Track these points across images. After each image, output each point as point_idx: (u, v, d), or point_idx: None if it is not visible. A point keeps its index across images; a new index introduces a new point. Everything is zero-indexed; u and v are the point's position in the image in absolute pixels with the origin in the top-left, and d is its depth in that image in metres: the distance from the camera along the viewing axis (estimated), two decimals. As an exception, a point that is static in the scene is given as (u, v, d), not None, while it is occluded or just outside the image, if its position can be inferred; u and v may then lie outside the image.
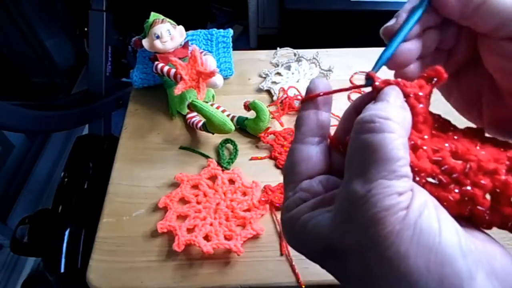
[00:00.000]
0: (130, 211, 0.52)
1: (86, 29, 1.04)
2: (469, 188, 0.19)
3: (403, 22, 0.22)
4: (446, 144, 0.20)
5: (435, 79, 0.21)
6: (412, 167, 0.19)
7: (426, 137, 0.21)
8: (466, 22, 0.22)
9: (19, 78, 1.44)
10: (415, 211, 0.17)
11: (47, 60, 1.45)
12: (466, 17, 0.22)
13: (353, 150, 0.19)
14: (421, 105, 0.21)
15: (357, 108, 0.23)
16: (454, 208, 0.19)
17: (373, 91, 0.22)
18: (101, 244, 0.49)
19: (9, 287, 1.09)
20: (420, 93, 0.21)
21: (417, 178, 0.19)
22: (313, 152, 0.23)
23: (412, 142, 0.20)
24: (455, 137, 0.22)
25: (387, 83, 0.21)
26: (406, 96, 0.21)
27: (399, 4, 1.35)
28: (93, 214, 0.57)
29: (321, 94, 0.23)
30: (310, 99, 0.24)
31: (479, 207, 0.19)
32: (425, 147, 0.20)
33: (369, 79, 0.22)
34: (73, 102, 1.11)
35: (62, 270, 0.76)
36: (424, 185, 0.19)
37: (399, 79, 0.21)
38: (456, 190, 0.19)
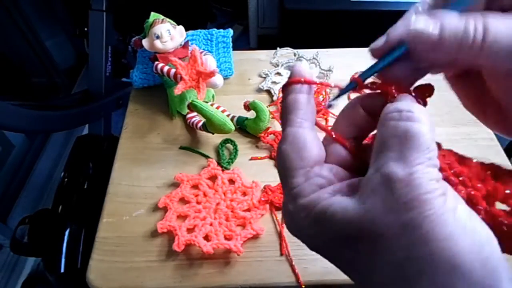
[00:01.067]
0: (130, 211, 0.52)
1: (86, 29, 1.04)
2: (470, 190, 0.20)
3: (386, 51, 0.22)
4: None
5: (427, 94, 0.23)
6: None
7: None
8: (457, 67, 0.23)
9: (19, 78, 1.44)
10: (453, 199, 0.18)
11: (47, 60, 1.45)
12: (455, 65, 0.22)
13: (389, 135, 0.20)
14: None
15: (365, 105, 0.24)
16: None
17: (381, 93, 0.23)
18: (101, 244, 0.49)
19: (9, 287, 1.09)
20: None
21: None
22: (315, 138, 0.23)
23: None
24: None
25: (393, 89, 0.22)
26: None
27: (399, 4, 1.35)
28: (93, 214, 0.57)
29: (315, 82, 0.24)
30: (297, 82, 0.23)
31: (479, 207, 0.20)
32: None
33: (353, 82, 0.23)
34: (73, 102, 1.11)
35: (62, 270, 0.76)
36: None
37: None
38: (463, 191, 0.20)
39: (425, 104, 0.22)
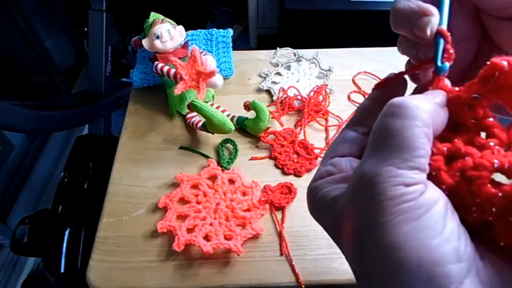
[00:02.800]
0: (130, 211, 0.52)
1: (86, 29, 1.04)
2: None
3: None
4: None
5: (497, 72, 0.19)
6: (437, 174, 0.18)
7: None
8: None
9: (19, 78, 1.44)
10: (423, 206, 0.17)
11: (47, 60, 1.45)
12: None
13: (373, 131, 0.19)
14: None
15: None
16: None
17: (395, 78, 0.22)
18: (101, 244, 0.49)
19: (9, 287, 1.09)
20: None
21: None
22: (351, 136, 0.24)
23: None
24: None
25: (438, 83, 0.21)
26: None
27: (399, 4, 1.35)
28: (93, 214, 0.57)
29: (392, 78, 0.23)
30: (379, 87, 0.23)
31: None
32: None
33: (439, 35, 0.20)
34: (73, 102, 1.11)
35: (62, 270, 0.76)
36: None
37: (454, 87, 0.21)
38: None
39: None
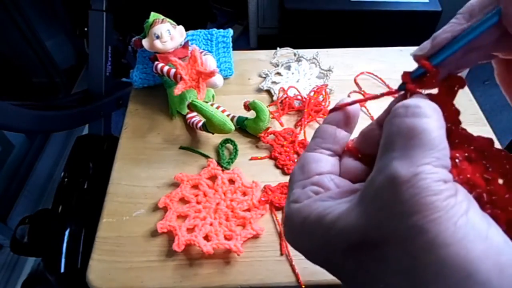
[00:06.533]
0: (130, 211, 0.52)
1: (86, 29, 1.04)
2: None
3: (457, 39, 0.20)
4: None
5: (457, 86, 0.21)
6: (468, 179, 0.19)
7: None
8: None
9: (19, 78, 1.44)
10: (464, 200, 0.17)
11: (47, 60, 1.45)
12: None
13: (393, 133, 0.18)
14: (453, 108, 0.21)
15: (380, 122, 0.22)
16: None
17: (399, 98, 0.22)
18: (101, 244, 0.49)
19: (9, 287, 1.09)
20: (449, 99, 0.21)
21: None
22: (323, 157, 0.23)
23: (466, 154, 0.20)
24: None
25: (418, 89, 0.21)
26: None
27: (399, 4, 1.35)
28: (93, 214, 0.57)
29: (347, 103, 0.23)
30: (335, 110, 0.24)
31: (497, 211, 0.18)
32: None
33: (403, 84, 0.21)
34: (73, 102, 1.11)
35: (62, 270, 0.76)
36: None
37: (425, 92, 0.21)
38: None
39: (453, 96, 0.21)
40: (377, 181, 0.18)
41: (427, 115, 0.18)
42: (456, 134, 0.20)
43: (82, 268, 0.67)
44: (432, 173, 0.17)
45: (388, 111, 0.21)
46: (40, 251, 0.82)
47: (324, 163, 0.23)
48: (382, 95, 0.23)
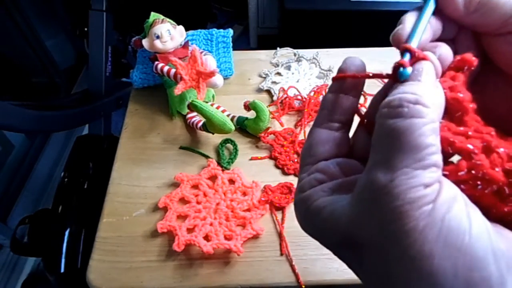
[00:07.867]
0: (130, 211, 0.52)
1: (86, 29, 1.04)
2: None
3: (413, 25, 0.20)
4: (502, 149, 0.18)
5: (466, 67, 0.19)
6: (484, 174, 0.17)
7: (493, 133, 0.18)
8: (470, 20, 0.21)
9: (19, 78, 1.44)
10: (443, 205, 0.16)
11: (47, 60, 1.45)
12: (470, 13, 0.20)
13: (377, 135, 0.18)
14: (460, 94, 0.19)
15: (387, 91, 0.21)
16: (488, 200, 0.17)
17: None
18: (101, 244, 0.49)
19: (9, 287, 1.09)
20: (456, 83, 0.19)
21: (480, 187, 0.17)
22: (331, 136, 0.22)
23: (485, 144, 0.18)
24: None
25: (420, 58, 0.19)
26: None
27: (399, 4, 1.35)
28: (93, 214, 0.57)
29: (348, 75, 0.21)
30: (338, 79, 0.22)
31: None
32: (501, 150, 0.17)
33: (406, 51, 0.20)
34: (73, 102, 1.11)
35: (62, 270, 0.76)
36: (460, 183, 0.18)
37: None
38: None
39: (466, 79, 0.19)
40: (362, 183, 0.18)
41: (411, 114, 0.17)
42: (469, 123, 0.19)
43: (82, 268, 0.67)
44: (410, 178, 0.16)
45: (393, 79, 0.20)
46: (40, 251, 0.82)
47: (331, 144, 0.22)
48: (382, 76, 0.21)
